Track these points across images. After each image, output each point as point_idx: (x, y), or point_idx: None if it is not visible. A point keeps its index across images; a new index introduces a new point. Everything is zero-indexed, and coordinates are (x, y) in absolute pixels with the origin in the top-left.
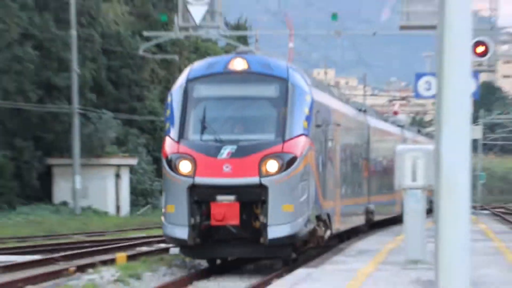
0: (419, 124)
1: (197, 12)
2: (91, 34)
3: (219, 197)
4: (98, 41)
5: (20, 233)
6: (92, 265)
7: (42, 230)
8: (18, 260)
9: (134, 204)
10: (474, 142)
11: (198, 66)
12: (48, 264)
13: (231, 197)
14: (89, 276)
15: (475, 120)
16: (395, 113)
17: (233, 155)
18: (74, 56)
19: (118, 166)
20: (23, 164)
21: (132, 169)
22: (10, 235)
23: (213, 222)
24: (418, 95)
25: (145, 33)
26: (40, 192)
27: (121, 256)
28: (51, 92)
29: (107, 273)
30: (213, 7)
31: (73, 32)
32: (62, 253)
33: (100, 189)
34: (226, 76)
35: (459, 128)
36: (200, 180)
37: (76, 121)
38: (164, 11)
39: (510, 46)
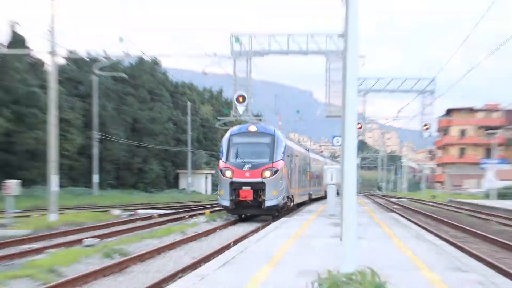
0: (333, 157)
1: (240, 109)
2: (195, 118)
3: (243, 187)
4: (198, 121)
5: (166, 200)
6: (195, 215)
7: (174, 200)
8: (165, 212)
9: (214, 190)
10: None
11: (235, 128)
12: (177, 214)
13: (249, 187)
14: (194, 219)
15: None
16: (322, 151)
17: (249, 168)
18: (189, 129)
19: (206, 173)
20: (168, 172)
21: (212, 175)
22: (162, 202)
23: (240, 198)
24: (333, 145)
25: (219, 117)
26: (173, 184)
27: (207, 211)
28: (182, 142)
29: (201, 218)
30: (247, 107)
31: (188, 118)
32: (182, 209)
33: (199, 183)
34: (247, 133)
35: (351, 158)
36: (235, 179)
37: (190, 154)
38: (227, 108)
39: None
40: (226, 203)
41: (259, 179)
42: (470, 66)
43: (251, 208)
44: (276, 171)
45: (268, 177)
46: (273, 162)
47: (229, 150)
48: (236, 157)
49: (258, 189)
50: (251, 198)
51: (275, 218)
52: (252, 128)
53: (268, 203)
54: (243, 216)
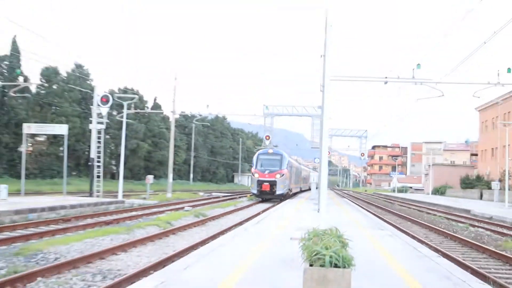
0: (314, 168)
1: (267, 142)
2: (243, 147)
3: (264, 183)
4: (245, 148)
5: (227, 189)
6: (241, 197)
7: (231, 189)
8: (226, 195)
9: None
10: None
11: (260, 150)
12: (232, 196)
13: (267, 183)
14: (241, 199)
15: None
16: (308, 165)
17: (268, 172)
18: (240, 152)
19: (248, 175)
20: (228, 174)
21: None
22: (225, 190)
23: (262, 189)
24: (314, 162)
25: (256, 146)
26: (231, 180)
27: (248, 195)
28: (236, 159)
29: (245, 199)
30: (270, 141)
31: (240, 147)
32: (235, 194)
33: (244, 180)
34: (267, 154)
35: (324, 169)
36: (260, 178)
37: (240, 165)
38: (260, 142)
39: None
40: (255, 191)
41: (273, 179)
42: (384, 126)
43: (268, 195)
44: (282, 175)
45: (278, 178)
46: (281, 170)
47: (257, 163)
48: (261, 166)
49: (273, 184)
50: (268, 189)
51: (282, 200)
52: (270, 151)
53: (278, 192)
54: (264, 199)
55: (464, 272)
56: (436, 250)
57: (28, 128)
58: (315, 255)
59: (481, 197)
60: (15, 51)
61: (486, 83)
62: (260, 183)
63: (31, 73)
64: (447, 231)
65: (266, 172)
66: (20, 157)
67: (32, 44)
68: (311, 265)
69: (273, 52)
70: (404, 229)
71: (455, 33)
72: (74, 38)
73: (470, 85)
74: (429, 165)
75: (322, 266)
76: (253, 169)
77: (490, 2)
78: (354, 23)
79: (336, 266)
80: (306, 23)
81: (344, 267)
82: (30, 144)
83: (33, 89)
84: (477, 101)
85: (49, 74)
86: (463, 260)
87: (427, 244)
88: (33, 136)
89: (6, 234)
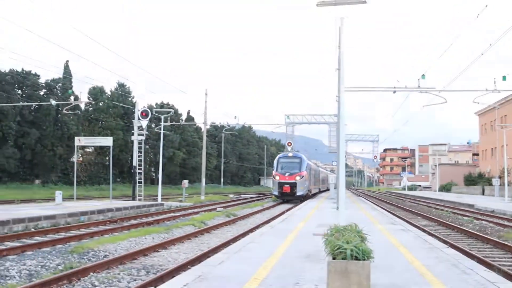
0: (332, 170)
1: (289, 149)
2: (268, 153)
3: (285, 185)
4: (269, 154)
5: (254, 191)
6: (267, 198)
7: (257, 191)
8: (253, 196)
9: None
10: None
11: (280, 154)
12: (259, 197)
13: (288, 185)
14: (266, 200)
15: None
16: (325, 167)
17: (288, 175)
18: (265, 158)
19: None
20: (255, 177)
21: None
22: (252, 191)
23: (283, 191)
24: (332, 164)
25: (279, 152)
26: (257, 183)
27: (273, 196)
28: (261, 164)
29: (270, 199)
30: (292, 147)
31: (264, 153)
32: (262, 195)
33: (269, 183)
34: (287, 157)
35: (341, 171)
36: (281, 181)
37: (265, 169)
38: (282, 148)
39: None
40: (276, 193)
41: (293, 181)
42: (394, 131)
43: (289, 196)
44: (302, 177)
45: (298, 180)
46: (300, 172)
47: (278, 166)
48: (281, 169)
49: (293, 186)
50: (289, 191)
51: (302, 201)
52: (290, 154)
53: (298, 193)
54: (285, 200)
55: (471, 261)
56: (445, 242)
57: (79, 141)
58: (337, 249)
59: (483, 193)
60: (67, 74)
61: (484, 90)
62: (281, 185)
63: (81, 92)
64: (453, 224)
65: (287, 174)
66: (72, 167)
67: (82, 67)
68: (333, 258)
69: (293, 75)
70: (415, 223)
71: (456, 45)
72: (118, 61)
73: (470, 92)
74: (436, 165)
75: (343, 259)
76: (274, 172)
77: (486, 16)
78: (365, 37)
79: (356, 258)
80: (322, 44)
81: (364, 259)
82: (81, 155)
83: (82, 106)
84: (477, 106)
85: (96, 92)
86: (470, 250)
87: (436, 236)
88: (83, 148)
89: (62, 234)
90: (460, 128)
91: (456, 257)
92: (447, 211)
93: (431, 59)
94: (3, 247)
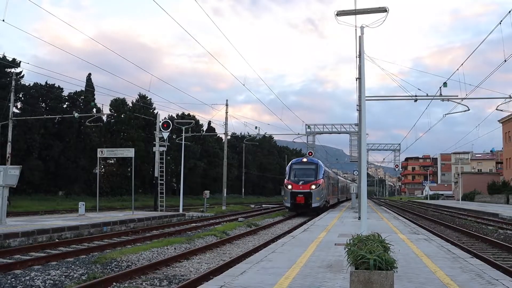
0: (353, 180)
1: (304, 157)
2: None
3: (299, 195)
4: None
5: (275, 201)
6: (278, 210)
7: (278, 200)
8: (274, 206)
9: None
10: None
11: (293, 160)
12: (281, 208)
13: (302, 195)
14: (278, 212)
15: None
16: (345, 176)
17: (302, 183)
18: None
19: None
20: (276, 187)
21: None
22: (273, 201)
23: (296, 202)
24: (354, 174)
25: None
26: (278, 193)
27: (282, 210)
28: (282, 174)
29: (280, 213)
30: (314, 155)
31: (286, 163)
32: (283, 206)
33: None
34: (301, 162)
35: (363, 180)
36: (294, 190)
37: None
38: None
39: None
40: (288, 204)
41: (308, 190)
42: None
43: (303, 208)
44: (318, 185)
45: (314, 189)
46: (317, 180)
47: (290, 173)
48: (294, 177)
49: (308, 196)
50: (303, 202)
51: (318, 214)
52: (304, 159)
53: (314, 204)
54: (298, 212)
55: (496, 271)
56: (468, 252)
57: (101, 152)
58: (360, 259)
59: (507, 202)
60: (90, 86)
61: (507, 97)
62: (294, 195)
63: (103, 104)
64: (478, 234)
65: (300, 183)
66: (95, 178)
67: (103, 80)
68: (356, 268)
69: (314, 87)
70: (438, 232)
71: (477, 53)
72: (138, 73)
73: (493, 100)
74: (458, 174)
75: (366, 269)
76: (286, 180)
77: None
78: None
79: (379, 268)
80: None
81: (387, 269)
82: (103, 166)
83: (104, 118)
84: (501, 114)
85: (117, 105)
86: (495, 260)
87: (459, 246)
88: (105, 159)
89: (85, 245)
90: (483, 137)
91: (481, 267)
92: (470, 220)
93: (452, 66)
94: (28, 258)
